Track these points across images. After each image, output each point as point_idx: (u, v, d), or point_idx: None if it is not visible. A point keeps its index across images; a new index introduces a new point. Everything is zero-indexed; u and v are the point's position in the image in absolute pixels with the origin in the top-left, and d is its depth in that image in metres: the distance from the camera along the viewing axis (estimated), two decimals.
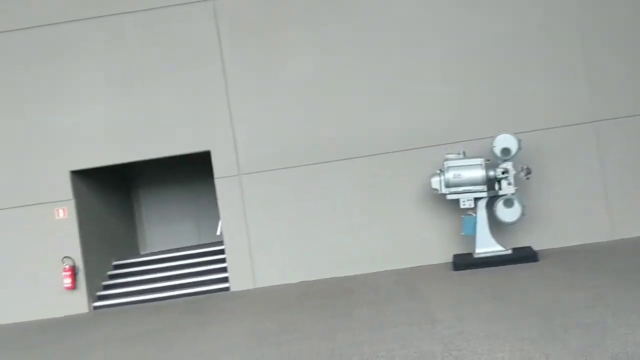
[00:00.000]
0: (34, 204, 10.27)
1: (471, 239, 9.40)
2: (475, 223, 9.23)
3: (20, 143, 10.38)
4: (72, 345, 7.81)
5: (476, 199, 9.18)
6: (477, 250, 9.26)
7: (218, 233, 10.74)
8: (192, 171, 13.02)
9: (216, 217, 10.94)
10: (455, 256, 9.65)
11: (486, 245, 9.22)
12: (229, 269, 10.40)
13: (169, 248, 12.94)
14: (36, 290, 10.25)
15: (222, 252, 10.82)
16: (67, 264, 10.19)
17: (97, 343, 7.68)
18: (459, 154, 9.36)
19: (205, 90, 10.37)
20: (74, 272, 10.21)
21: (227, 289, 10.39)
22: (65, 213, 10.30)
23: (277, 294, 9.44)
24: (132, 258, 11.90)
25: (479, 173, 9.09)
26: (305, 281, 10.11)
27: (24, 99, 10.41)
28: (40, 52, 10.43)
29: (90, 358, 6.87)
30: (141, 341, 7.35)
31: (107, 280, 11.10)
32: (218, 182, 10.37)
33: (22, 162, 10.35)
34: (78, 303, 10.33)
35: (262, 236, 10.29)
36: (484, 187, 9.11)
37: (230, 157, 10.33)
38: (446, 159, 9.27)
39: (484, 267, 8.99)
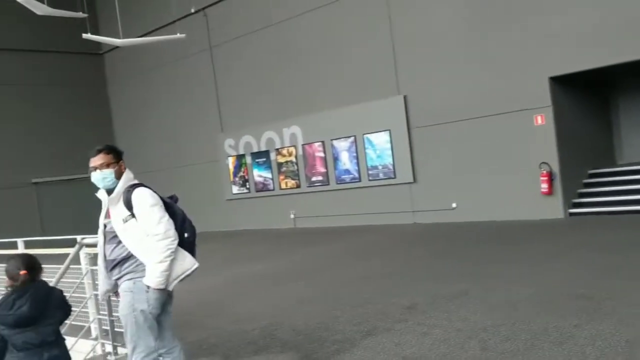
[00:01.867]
0: (514, 111, 10.80)
1: None
2: None
3: (503, 51, 10.90)
4: (547, 247, 8.13)
5: None
6: None
7: None
8: None
9: None
10: None
11: None
12: None
13: None
14: (514, 193, 10.94)
15: None
16: (544, 170, 10.49)
17: (572, 247, 7.79)
18: None
19: None
20: (550, 177, 10.45)
21: None
22: (543, 120, 10.50)
23: None
24: (609, 167, 11.39)
25: None
26: None
27: (506, 8, 10.83)
28: None
29: (564, 261, 7.02)
30: (619, 251, 7.08)
31: (582, 188, 10.99)
32: None
33: (504, 69, 10.90)
34: (553, 208, 10.58)
35: None
36: None
37: None
38: None
39: None
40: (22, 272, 3.57)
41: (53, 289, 3.84)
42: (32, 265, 3.67)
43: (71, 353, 6.01)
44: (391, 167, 12.56)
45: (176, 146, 17.72)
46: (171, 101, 17.66)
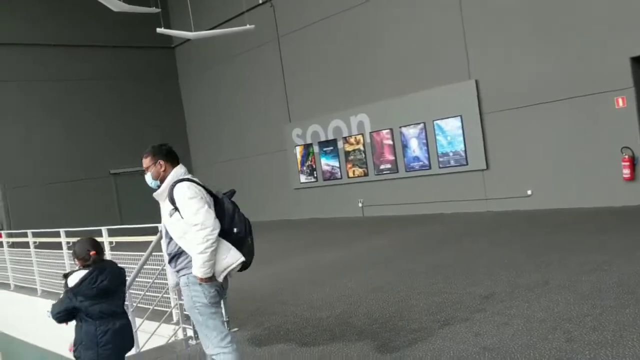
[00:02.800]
0: (593, 94, 10.30)
1: None
2: None
3: (580, 30, 10.40)
4: (630, 234, 7.73)
5: None
6: None
7: None
8: None
9: None
10: None
11: None
12: None
13: None
14: (593, 179, 10.47)
15: None
16: (626, 154, 9.98)
17: None
18: None
19: None
20: (633, 162, 9.93)
21: None
22: (624, 102, 9.96)
23: None
24: None
25: None
26: None
27: None
28: None
29: None
30: None
31: None
32: None
33: (581, 50, 10.39)
34: (637, 194, 10.03)
35: None
36: None
37: None
38: None
39: None
40: (92, 252, 4.06)
41: (120, 267, 4.27)
42: (97, 246, 4.17)
43: (154, 337, 6.27)
44: (463, 153, 12.28)
45: (245, 136, 18.04)
46: (240, 92, 17.97)
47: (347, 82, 14.66)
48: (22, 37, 17.14)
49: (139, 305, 6.49)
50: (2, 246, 11.60)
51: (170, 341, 6.13)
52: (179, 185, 3.75)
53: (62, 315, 4.00)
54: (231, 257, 3.70)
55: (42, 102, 17.56)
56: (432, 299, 5.86)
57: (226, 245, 3.69)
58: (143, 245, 6.51)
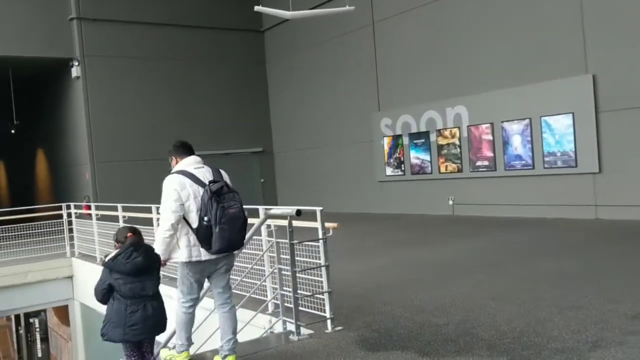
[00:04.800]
0: None
1: None
2: None
3: None
4: None
5: None
6: None
7: None
8: None
9: None
10: None
11: None
12: None
13: None
14: None
15: None
16: None
17: None
18: None
19: None
20: None
21: None
22: None
23: None
24: None
25: None
26: None
27: None
28: None
29: None
30: None
31: None
32: None
33: None
34: None
35: None
36: None
37: None
38: None
39: None
40: (129, 234, 4.36)
41: (157, 253, 4.38)
42: (136, 230, 4.47)
43: (248, 327, 5.80)
44: (572, 154, 11.22)
45: (329, 124, 17.47)
46: (327, 79, 17.41)
47: (444, 71, 13.81)
48: (121, 14, 17.23)
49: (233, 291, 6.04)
50: (90, 218, 11.58)
51: (265, 334, 5.65)
52: (167, 177, 4.35)
53: (104, 293, 4.19)
54: (180, 253, 4.27)
55: (132, 81, 17.60)
56: (567, 313, 5.09)
57: (185, 242, 4.22)
58: None
